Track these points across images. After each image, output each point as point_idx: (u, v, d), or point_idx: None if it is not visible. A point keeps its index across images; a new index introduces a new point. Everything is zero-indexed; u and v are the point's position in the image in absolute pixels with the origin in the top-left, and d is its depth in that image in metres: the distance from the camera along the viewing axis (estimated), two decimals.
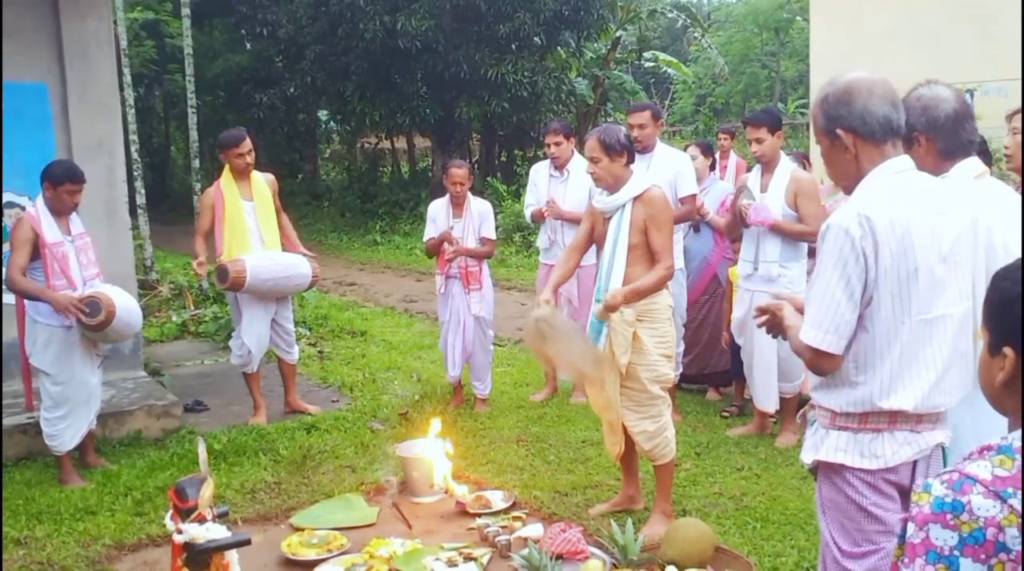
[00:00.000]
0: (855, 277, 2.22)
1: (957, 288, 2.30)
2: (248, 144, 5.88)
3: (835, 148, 2.34)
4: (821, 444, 2.38)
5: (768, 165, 5.28)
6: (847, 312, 2.23)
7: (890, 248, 2.20)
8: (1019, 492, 1.37)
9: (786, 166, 5.24)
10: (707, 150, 6.46)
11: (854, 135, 2.30)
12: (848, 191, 2.38)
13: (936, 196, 2.31)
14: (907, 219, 2.22)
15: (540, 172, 6.41)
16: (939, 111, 2.59)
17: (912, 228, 2.22)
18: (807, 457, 2.44)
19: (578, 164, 6.20)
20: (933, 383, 2.27)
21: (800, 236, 5.14)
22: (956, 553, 1.38)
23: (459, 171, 6.00)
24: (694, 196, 5.66)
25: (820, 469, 2.42)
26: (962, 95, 2.65)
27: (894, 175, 2.29)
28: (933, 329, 2.26)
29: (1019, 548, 1.37)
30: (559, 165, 6.23)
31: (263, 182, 6.01)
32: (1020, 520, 1.35)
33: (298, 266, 5.98)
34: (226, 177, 5.92)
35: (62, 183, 4.84)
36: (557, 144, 6.18)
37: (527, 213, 6.53)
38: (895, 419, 2.28)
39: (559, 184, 6.24)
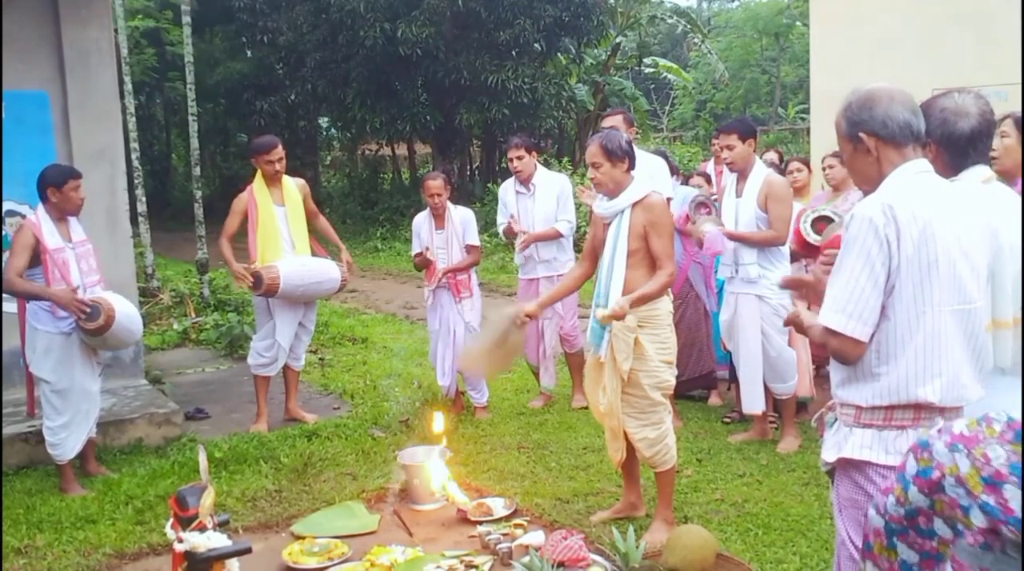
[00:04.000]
0: (879, 263, 2.28)
1: (975, 285, 2.37)
2: (279, 151, 5.94)
3: (858, 152, 2.44)
4: (845, 442, 2.41)
5: (742, 172, 5.32)
6: (871, 298, 2.29)
7: (912, 237, 2.27)
8: (967, 449, 1.67)
9: (760, 171, 5.29)
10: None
11: (876, 138, 2.39)
12: (869, 193, 2.44)
13: (954, 197, 2.39)
14: (928, 213, 2.30)
15: (508, 191, 6.41)
16: (956, 128, 2.63)
17: (933, 221, 2.29)
18: (829, 456, 2.47)
19: (543, 178, 6.27)
20: (956, 375, 2.32)
21: (763, 243, 5.16)
22: (909, 480, 1.72)
23: (434, 182, 6.02)
24: (669, 200, 5.70)
25: (839, 467, 2.45)
26: (987, 111, 2.65)
27: (915, 175, 2.37)
28: (955, 321, 2.32)
29: (954, 495, 1.64)
30: (523, 179, 6.24)
31: (294, 187, 6.06)
32: (973, 476, 1.61)
33: (328, 271, 6.04)
34: (258, 182, 5.97)
35: (66, 182, 4.89)
36: (519, 158, 6.18)
37: (500, 231, 6.55)
38: (919, 415, 2.32)
39: (526, 199, 6.25)
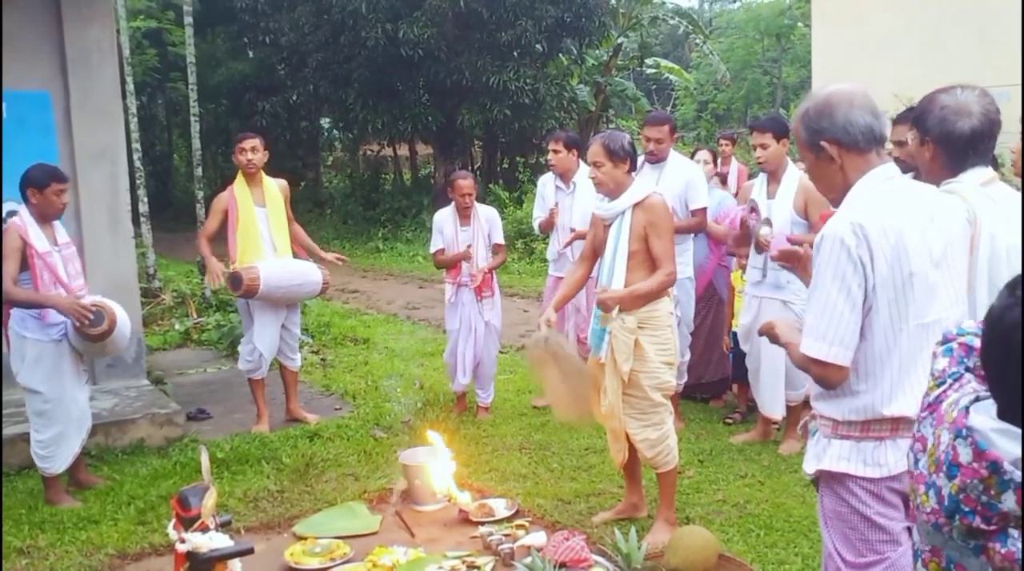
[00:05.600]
0: (856, 286, 2.20)
1: (951, 293, 2.30)
2: (251, 142, 5.86)
3: (820, 161, 2.34)
4: (824, 454, 2.37)
5: (774, 173, 5.23)
6: (851, 322, 2.22)
7: (885, 255, 2.19)
8: (934, 427, 1.62)
9: (793, 174, 5.19)
10: (716, 156, 6.48)
11: (838, 146, 2.29)
12: (836, 203, 2.37)
13: (925, 202, 2.30)
14: (899, 225, 2.21)
15: (547, 185, 6.36)
16: (955, 127, 2.53)
17: (904, 234, 2.21)
18: (809, 467, 2.43)
19: (584, 177, 6.15)
20: None
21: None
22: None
23: (465, 182, 5.99)
24: (705, 209, 5.62)
25: (822, 479, 2.41)
26: (991, 110, 2.53)
27: (883, 183, 2.29)
28: (930, 334, 2.24)
29: (923, 471, 1.63)
30: (560, 173, 6.19)
31: (275, 188, 6.00)
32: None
33: (309, 273, 6.00)
34: (239, 182, 5.91)
35: (48, 185, 4.67)
36: (556, 152, 6.14)
37: (535, 225, 6.51)
38: (897, 426, 2.27)
39: (565, 196, 6.21)
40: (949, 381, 1.70)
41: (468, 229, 6.05)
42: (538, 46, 17.40)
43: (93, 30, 6.32)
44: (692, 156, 6.48)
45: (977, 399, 1.54)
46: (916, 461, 1.66)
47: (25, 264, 4.62)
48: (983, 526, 1.48)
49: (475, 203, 6.07)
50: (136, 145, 10.22)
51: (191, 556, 2.84)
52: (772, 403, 5.37)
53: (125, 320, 4.92)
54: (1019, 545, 1.45)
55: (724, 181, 6.85)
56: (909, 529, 2.32)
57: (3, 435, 5.22)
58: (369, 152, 25.25)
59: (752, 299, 5.32)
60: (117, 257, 6.44)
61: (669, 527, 4.10)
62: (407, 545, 4.07)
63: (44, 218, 4.74)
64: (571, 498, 4.66)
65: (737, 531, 4.20)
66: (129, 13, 12.95)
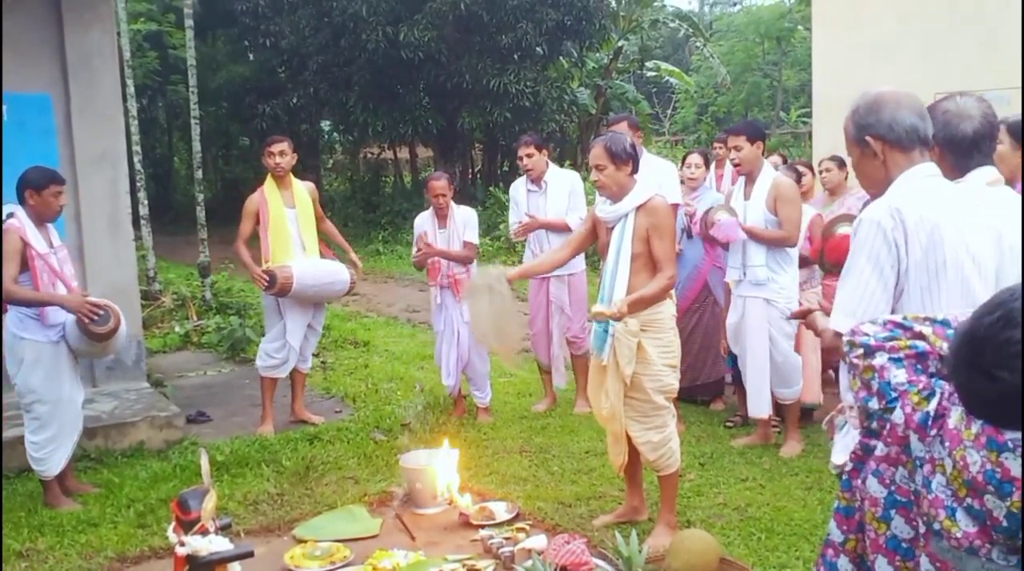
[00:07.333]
0: (888, 266, 2.29)
1: (983, 287, 2.36)
2: (279, 146, 5.97)
3: (865, 155, 2.46)
4: (854, 445, 2.39)
5: (750, 175, 5.31)
6: (881, 301, 2.30)
7: (920, 241, 2.28)
8: (949, 448, 1.58)
9: (768, 173, 5.29)
10: (708, 159, 6.50)
11: (882, 142, 2.41)
12: (876, 197, 2.46)
13: (963, 202, 2.38)
14: (936, 217, 2.30)
15: (519, 189, 6.42)
16: (958, 130, 2.65)
17: (941, 226, 2.30)
18: (839, 459, 2.48)
19: (554, 175, 6.27)
20: None
21: (773, 242, 5.16)
22: (925, 458, 1.71)
23: (438, 183, 6.03)
24: (676, 205, 5.70)
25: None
26: (990, 113, 2.68)
27: (923, 179, 2.39)
28: None
29: (940, 495, 1.59)
30: (534, 178, 6.24)
31: (304, 190, 6.10)
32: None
33: (338, 273, 6.08)
34: (269, 184, 6.00)
35: (47, 186, 4.67)
36: (529, 155, 6.19)
37: (511, 231, 6.54)
38: None
39: (538, 197, 6.26)
40: (939, 392, 1.65)
41: (445, 231, 6.08)
42: (538, 49, 17.42)
43: (94, 34, 6.33)
44: (683, 160, 6.53)
45: None
46: (927, 483, 1.61)
47: (24, 265, 4.61)
48: None
49: (452, 204, 6.09)
50: (136, 148, 10.20)
51: (191, 559, 2.84)
52: (756, 402, 5.39)
53: (124, 319, 4.93)
54: None
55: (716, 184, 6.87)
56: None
57: (3, 437, 5.20)
58: (369, 155, 25.25)
59: (737, 298, 5.41)
60: (117, 260, 6.44)
61: (670, 530, 4.09)
62: (407, 548, 4.07)
63: (41, 220, 4.74)
64: (572, 501, 4.65)
65: (738, 534, 4.20)
66: (130, 16, 12.96)
